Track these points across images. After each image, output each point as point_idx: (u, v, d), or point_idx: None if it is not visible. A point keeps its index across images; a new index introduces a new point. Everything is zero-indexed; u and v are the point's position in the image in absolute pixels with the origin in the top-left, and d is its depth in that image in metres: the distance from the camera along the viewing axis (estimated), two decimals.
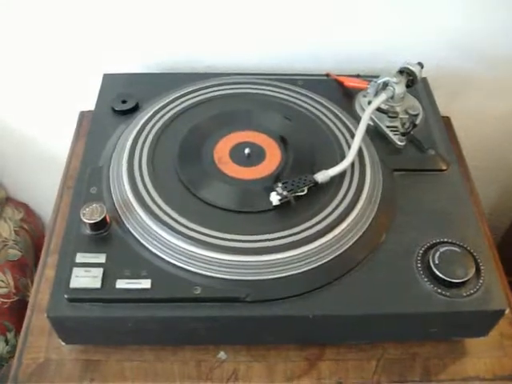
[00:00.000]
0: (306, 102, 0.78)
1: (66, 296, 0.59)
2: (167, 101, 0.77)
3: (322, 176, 0.67)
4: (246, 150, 0.70)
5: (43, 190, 1.11)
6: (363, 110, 0.78)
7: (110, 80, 0.85)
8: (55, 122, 1.01)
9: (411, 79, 0.77)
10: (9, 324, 0.96)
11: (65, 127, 0.95)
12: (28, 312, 0.71)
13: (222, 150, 0.71)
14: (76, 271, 0.61)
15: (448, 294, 0.62)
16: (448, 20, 0.87)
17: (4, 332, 0.95)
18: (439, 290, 0.62)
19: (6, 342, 0.95)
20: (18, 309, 0.99)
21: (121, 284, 0.60)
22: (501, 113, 1.01)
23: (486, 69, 0.94)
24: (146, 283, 0.60)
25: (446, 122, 0.91)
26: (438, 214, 0.69)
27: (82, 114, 0.93)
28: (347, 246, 0.64)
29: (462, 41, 0.90)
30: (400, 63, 0.78)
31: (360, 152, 0.71)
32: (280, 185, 0.65)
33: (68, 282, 0.60)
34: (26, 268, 1.06)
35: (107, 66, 0.89)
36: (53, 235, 0.77)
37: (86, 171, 0.71)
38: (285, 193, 0.64)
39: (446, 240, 0.66)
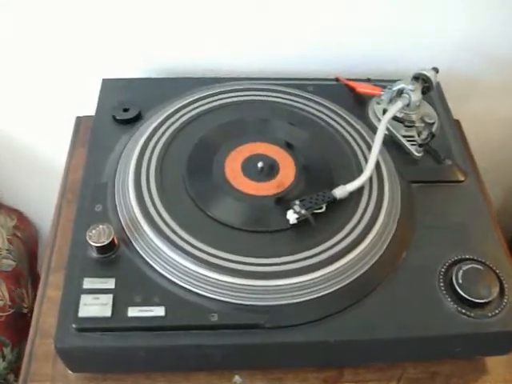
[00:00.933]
0: (319, 111, 0.75)
1: (74, 326, 0.56)
2: (171, 110, 0.73)
3: (340, 192, 0.64)
4: (259, 164, 0.67)
5: (37, 196, 1.08)
6: (377, 118, 0.75)
7: (109, 85, 0.81)
8: (51, 126, 0.97)
9: (427, 86, 0.74)
10: (5, 339, 0.92)
11: (61, 132, 0.91)
12: (30, 335, 0.67)
13: (233, 164, 0.68)
14: (84, 298, 0.57)
15: (472, 314, 0.60)
16: (457, 22, 0.84)
17: (0, 347, 0.91)
18: (463, 311, 0.60)
19: (3, 357, 0.91)
20: (14, 322, 0.95)
21: (133, 312, 0.57)
22: (509, 114, 0.99)
23: (495, 71, 0.91)
24: (159, 311, 0.57)
25: (457, 125, 0.89)
26: (457, 227, 0.67)
27: (79, 120, 0.89)
28: (368, 266, 0.61)
29: (471, 43, 0.87)
30: (410, 66, 0.76)
31: (377, 164, 0.68)
32: (297, 202, 0.62)
33: (76, 311, 0.56)
34: (20, 278, 1.02)
35: (105, 70, 0.85)
36: (53, 252, 0.73)
37: (89, 187, 0.67)
38: (303, 211, 0.61)
39: (467, 257, 0.64)
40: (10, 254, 1.02)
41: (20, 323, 0.95)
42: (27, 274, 1.04)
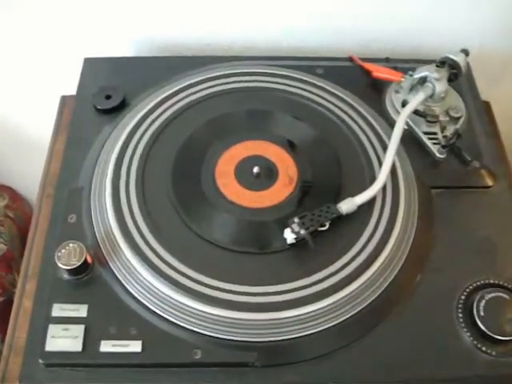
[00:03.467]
0: (328, 101, 0.65)
1: (40, 361, 0.50)
2: (157, 101, 0.64)
3: (347, 206, 0.55)
4: (255, 169, 0.58)
5: (28, 172, 1.01)
6: (395, 109, 0.65)
7: (92, 65, 0.72)
8: (38, 104, 0.90)
9: (454, 72, 0.63)
10: None
11: (48, 111, 0.83)
12: (4, 352, 0.61)
13: (225, 168, 0.59)
14: (52, 329, 0.51)
15: (494, 352, 0.52)
16: None
17: None
18: (483, 348, 0.52)
19: None
20: (4, 311, 0.90)
21: (106, 347, 0.50)
22: None
23: None
24: (135, 345, 0.50)
25: (486, 107, 0.78)
26: (482, 244, 0.58)
27: (64, 100, 0.80)
28: (375, 296, 0.53)
29: (504, 17, 0.75)
30: (435, 43, 0.64)
31: (393, 168, 0.59)
32: (296, 220, 0.53)
33: (43, 344, 0.50)
34: (12, 262, 0.97)
35: (90, 46, 0.76)
36: (31, 257, 0.66)
37: (64, 192, 0.60)
38: (302, 231, 0.53)
39: (492, 281, 0.55)
40: (0, 237, 0.96)
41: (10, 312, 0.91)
42: (19, 256, 0.99)
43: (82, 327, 0.51)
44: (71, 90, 0.77)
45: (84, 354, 0.50)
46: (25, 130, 0.96)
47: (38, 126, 0.94)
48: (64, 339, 0.50)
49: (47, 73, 0.85)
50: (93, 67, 0.71)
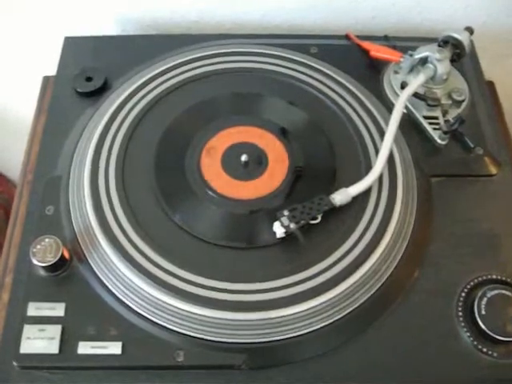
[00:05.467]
0: (322, 83, 0.61)
1: (15, 364, 0.47)
2: (140, 83, 0.60)
3: (340, 197, 0.52)
4: (243, 157, 0.55)
5: (14, 156, 0.97)
6: (394, 91, 0.61)
7: (73, 45, 0.68)
8: (22, 86, 0.86)
9: (457, 52, 0.59)
10: None
11: (32, 92, 0.79)
12: None
13: (211, 156, 0.55)
14: (27, 330, 0.48)
15: (495, 354, 0.49)
16: None
17: None
18: (484, 349, 0.49)
19: None
20: None
21: (84, 348, 0.47)
22: None
23: None
24: (115, 347, 0.47)
25: (490, 87, 0.74)
26: (485, 237, 0.55)
27: (46, 81, 0.76)
28: (370, 294, 0.50)
29: None
30: (435, 22, 0.60)
31: (390, 156, 0.55)
32: (286, 213, 0.50)
33: (18, 346, 0.47)
34: None
35: (72, 24, 0.72)
36: (10, 248, 0.63)
37: (42, 181, 0.56)
38: (292, 225, 0.49)
39: (494, 277, 0.52)
40: None
41: None
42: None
43: (58, 327, 0.48)
44: (54, 70, 0.74)
45: (61, 356, 0.47)
46: (9, 111, 0.93)
47: (22, 107, 0.90)
48: (40, 340, 0.48)
49: (29, 52, 0.81)
50: (74, 47, 0.67)
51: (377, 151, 0.56)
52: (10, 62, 0.83)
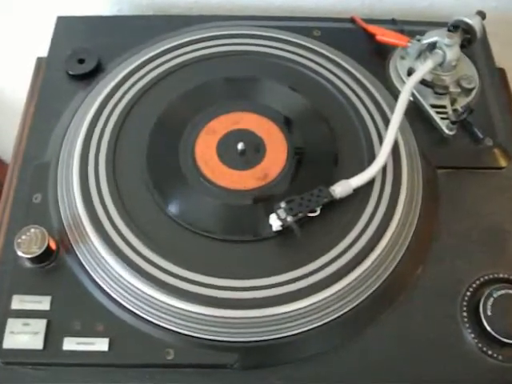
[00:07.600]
0: (325, 68, 0.58)
1: None
2: (133, 66, 0.57)
3: (341, 189, 0.49)
4: (239, 146, 0.52)
5: (9, 138, 0.95)
6: (400, 77, 0.59)
7: (66, 25, 0.65)
8: (16, 67, 0.83)
9: (468, 38, 0.56)
10: None
11: (26, 73, 0.77)
12: None
13: (206, 143, 0.53)
14: (11, 324, 0.46)
15: (500, 357, 0.47)
16: None
17: None
18: (489, 352, 0.47)
19: None
20: None
21: (69, 344, 0.45)
22: None
23: None
24: (102, 343, 0.45)
25: (501, 75, 0.71)
26: (493, 233, 0.53)
27: (40, 62, 0.73)
28: (371, 291, 0.48)
29: None
30: (444, 5, 0.57)
31: (395, 145, 0.52)
32: (283, 205, 0.48)
33: (1, 341, 0.45)
34: None
35: (66, 3, 0.69)
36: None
37: (30, 167, 0.54)
38: (288, 218, 0.47)
39: (501, 276, 0.50)
40: None
41: None
42: None
43: (43, 322, 0.46)
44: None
45: (45, 352, 0.45)
46: (5, 92, 0.90)
47: (18, 89, 0.87)
48: (24, 335, 0.46)
49: (23, 32, 0.79)
50: (67, 27, 0.65)
51: (381, 140, 0.53)
52: (3, 43, 0.81)
